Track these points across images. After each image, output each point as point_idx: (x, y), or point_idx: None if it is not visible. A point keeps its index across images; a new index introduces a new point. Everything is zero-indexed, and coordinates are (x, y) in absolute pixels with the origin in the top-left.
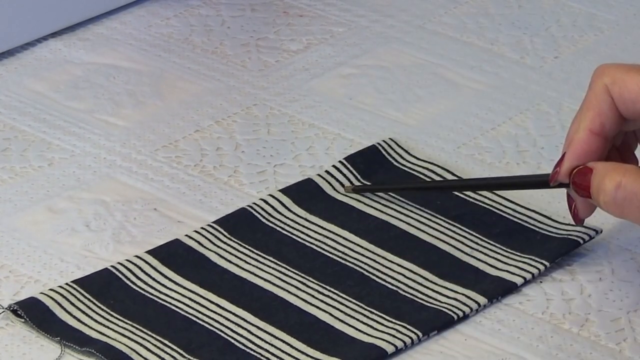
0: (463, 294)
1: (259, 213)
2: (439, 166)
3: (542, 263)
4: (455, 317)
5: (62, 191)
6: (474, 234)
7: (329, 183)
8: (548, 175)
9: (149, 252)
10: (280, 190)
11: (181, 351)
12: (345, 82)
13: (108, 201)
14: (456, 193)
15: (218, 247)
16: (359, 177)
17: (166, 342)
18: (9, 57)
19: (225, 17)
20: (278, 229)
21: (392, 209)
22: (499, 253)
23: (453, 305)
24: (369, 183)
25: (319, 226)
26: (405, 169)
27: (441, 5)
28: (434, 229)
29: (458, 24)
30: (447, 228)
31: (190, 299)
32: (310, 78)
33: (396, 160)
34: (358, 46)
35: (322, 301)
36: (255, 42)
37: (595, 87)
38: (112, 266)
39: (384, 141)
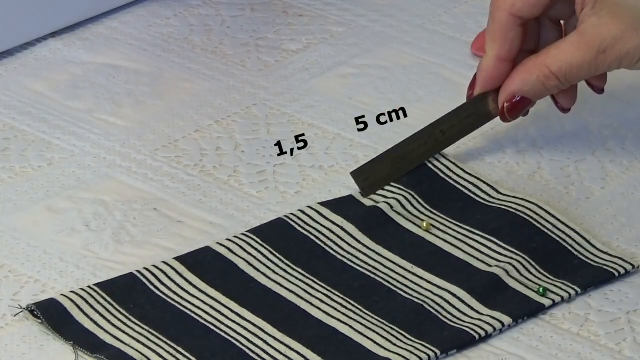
0: (489, 315)
1: (295, 222)
2: (484, 182)
3: (573, 289)
4: (477, 337)
5: (61, 191)
6: (510, 248)
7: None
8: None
9: (176, 258)
10: (319, 203)
11: (194, 359)
12: (345, 82)
13: (108, 201)
14: (495, 204)
15: (248, 253)
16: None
17: (180, 349)
18: (8, 57)
19: (225, 16)
20: (312, 237)
21: (430, 224)
22: (532, 273)
23: (477, 325)
24: (421, 200)
25: (353, 237)
26: (451, 181)
27: (441, 5)
28: (469, 245)
29: (458, 24)
30: (482, 244)
31: (210, 306)
32: (309, 78)
33: (443, 172)
34: (358, 46)
35: (344, 314)
36: (255, 42)
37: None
38: (137, 271)
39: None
